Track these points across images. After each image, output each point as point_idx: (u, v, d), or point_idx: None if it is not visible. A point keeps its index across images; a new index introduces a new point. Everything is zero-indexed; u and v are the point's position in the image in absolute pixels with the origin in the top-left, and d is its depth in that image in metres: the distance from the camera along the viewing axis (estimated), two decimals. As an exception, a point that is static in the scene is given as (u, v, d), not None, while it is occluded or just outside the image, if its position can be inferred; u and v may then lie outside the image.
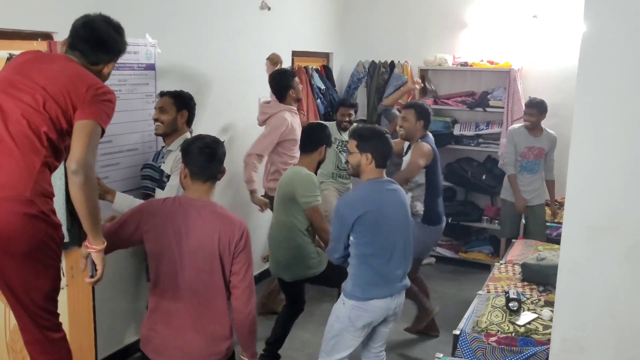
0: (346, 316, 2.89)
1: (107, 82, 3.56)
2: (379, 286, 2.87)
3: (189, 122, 3.48)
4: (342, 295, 2.96)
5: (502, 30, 5.76)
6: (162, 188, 3.40)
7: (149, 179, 3.59)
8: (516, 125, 5.11)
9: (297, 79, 4.53)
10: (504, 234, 5.24)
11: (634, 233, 1.93)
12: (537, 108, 4.83)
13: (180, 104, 3.42)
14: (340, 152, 4.94)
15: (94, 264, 2.25)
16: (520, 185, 4.96)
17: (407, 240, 2.98)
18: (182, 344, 2.42)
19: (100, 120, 2.19)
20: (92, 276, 2.27)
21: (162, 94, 3.48)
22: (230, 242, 2.38)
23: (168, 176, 3.37)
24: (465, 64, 5.83)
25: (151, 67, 3.85)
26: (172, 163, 3.32)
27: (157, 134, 3.55)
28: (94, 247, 2.21)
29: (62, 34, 3.23)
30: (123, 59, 3.60)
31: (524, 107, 5.56)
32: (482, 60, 5.81)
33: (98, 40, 2.35)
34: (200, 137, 2.56)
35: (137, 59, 3.74)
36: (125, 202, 2.96)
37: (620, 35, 1.87)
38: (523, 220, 5.15)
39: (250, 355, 2.51)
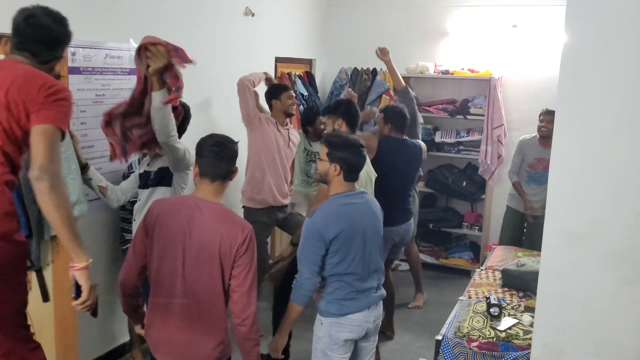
0: (327, 335, 2.76)
1: (89, 87, 3.57)
2: (356, 300, 2.76)
3: (180, 131, 3.39)
4: (318, 316, 2.81)
5: (483, 39, 5.85)
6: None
7: None
8: (527, 136, 5.06)
9: (289, 93, 4.41)
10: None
11: (612, 240, 1.98)
12: (554, 116, 4.80)
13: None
14: (308, 161, 4.90)
15: (78, 285, 2.08)
16: (527, 195, 4.96)
17: (379, 251, 2.88)
18: (175, 343, 2.39)
19: (58, 122, 2.06)
20: (75, 298, 2.09)
21: None
22: (232, 246, 2.32)
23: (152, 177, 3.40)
24: (446, 72, 5.89)
25: (135, 72, 3.82)
26: (161, 164, 3.31)
27: None
28: (75, 265, 2.06)
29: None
30: (106, 63, 3.63)
31: (503, 115, 5.66)
32: (463, 69, 5.88)
33: (50, 38, 2.22)
34: (212, 136, 2.47)
35: (121, 64, 3.72)
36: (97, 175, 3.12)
37: (600, 46, 1.92)
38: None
39: None
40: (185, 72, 4.28)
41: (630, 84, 1.89)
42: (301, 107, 5.66)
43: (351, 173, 2.76)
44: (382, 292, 2.91)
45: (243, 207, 4.43)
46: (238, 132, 4.65)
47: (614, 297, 2.00)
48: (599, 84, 1.93)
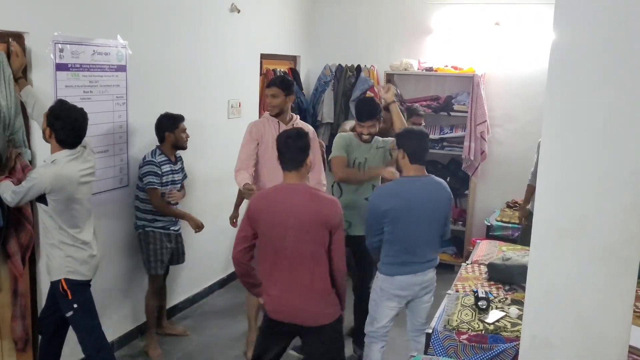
0: (379, 287, 3.38)
1: (77, 84, 3.55)
2: (400, 266, 3.32)
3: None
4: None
5: (466, 36, 5.92)
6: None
7: (152, 174, 3.82)
8: None
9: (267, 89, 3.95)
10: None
11: (597, 235, 2.03)
12: None
13: None
14: None
15: None
16: None
17: (430, 230, 3.35)
18: (291, 305, 2.83)
19: None
20: None
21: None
22: (325, 218, 2.78)
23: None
24: (430, 69, 5.95)
25: (122, 68, 3.81)
26: None
27: None
28: None
29: (33, 34, 3.19)
30: (94, 59, 3.60)
31: (487, 111, 5.73)
32: (446, 66, 5.95)
33: None
34: (282, 133, 2.92)
35: (108, 60, 3.70)
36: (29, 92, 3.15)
37: (589, 44, 1.96)
38: None
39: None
40: (170, 70, 4.30)
41: (618, 81, 1.94)
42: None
43: (414, 156, 3.27)
44: (431, 262, 3.40)
45: None
46: (220, 126, 4.68)
47: (601, 290, 2.05)
48: (586, 81, 1.98)
